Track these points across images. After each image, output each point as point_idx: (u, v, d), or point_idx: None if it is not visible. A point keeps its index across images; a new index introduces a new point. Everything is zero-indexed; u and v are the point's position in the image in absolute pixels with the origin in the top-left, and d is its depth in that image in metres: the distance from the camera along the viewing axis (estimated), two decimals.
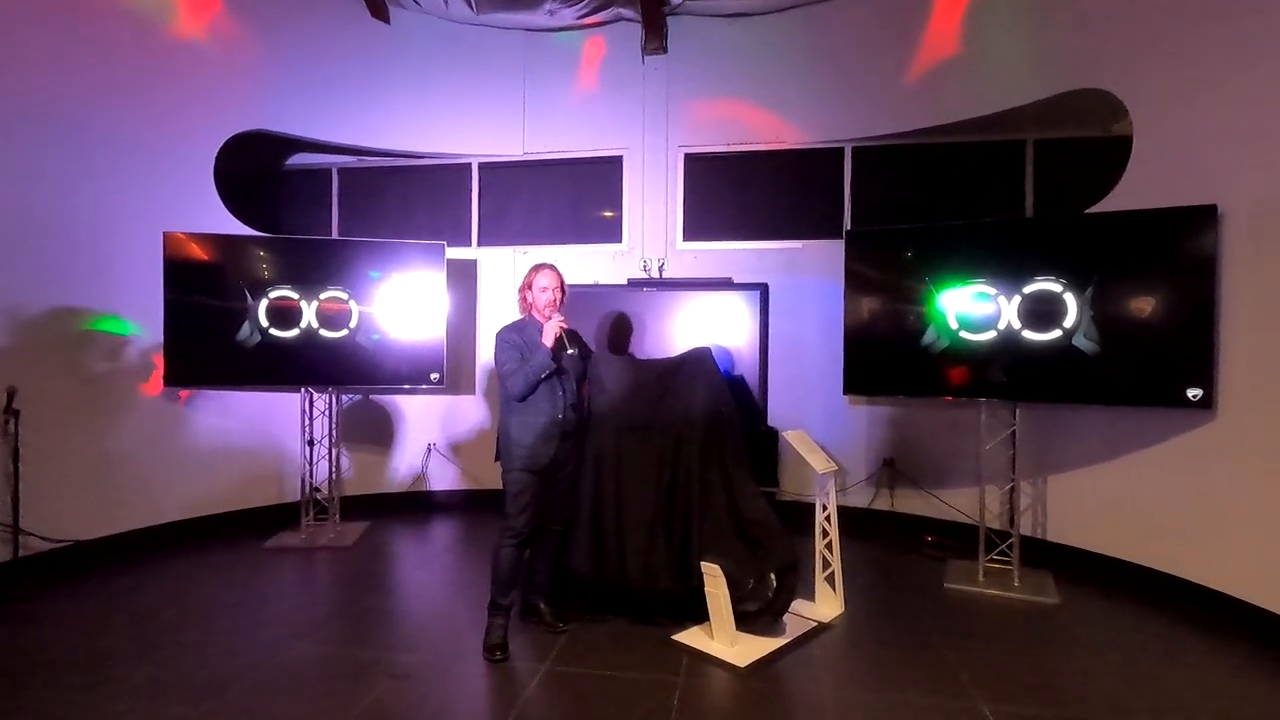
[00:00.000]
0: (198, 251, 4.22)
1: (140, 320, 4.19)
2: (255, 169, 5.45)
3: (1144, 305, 3.37)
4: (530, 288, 3.04)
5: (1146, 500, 3.61)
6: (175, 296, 4.15)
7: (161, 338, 4.16)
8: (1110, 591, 3.59)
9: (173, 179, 4.39)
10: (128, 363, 4.19)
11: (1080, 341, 3.46)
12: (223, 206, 4.65)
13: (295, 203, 5.68)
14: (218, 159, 4.62)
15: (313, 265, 4.41)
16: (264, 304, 4.31)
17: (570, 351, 2.94)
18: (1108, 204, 3.80)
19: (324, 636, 2.98)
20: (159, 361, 4.21)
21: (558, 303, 3.02)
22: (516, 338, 2.97)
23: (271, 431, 4.77)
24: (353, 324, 4.45)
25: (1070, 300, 3.48)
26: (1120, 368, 3.40)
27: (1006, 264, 3.65)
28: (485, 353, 5.34)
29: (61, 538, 3.79)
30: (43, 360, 3.76)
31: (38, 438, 3.63)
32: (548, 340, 2.88)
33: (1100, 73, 3.83)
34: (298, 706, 2.45)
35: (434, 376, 4.58)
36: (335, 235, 5.54)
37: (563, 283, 3.08)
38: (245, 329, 4.29)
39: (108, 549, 4.00)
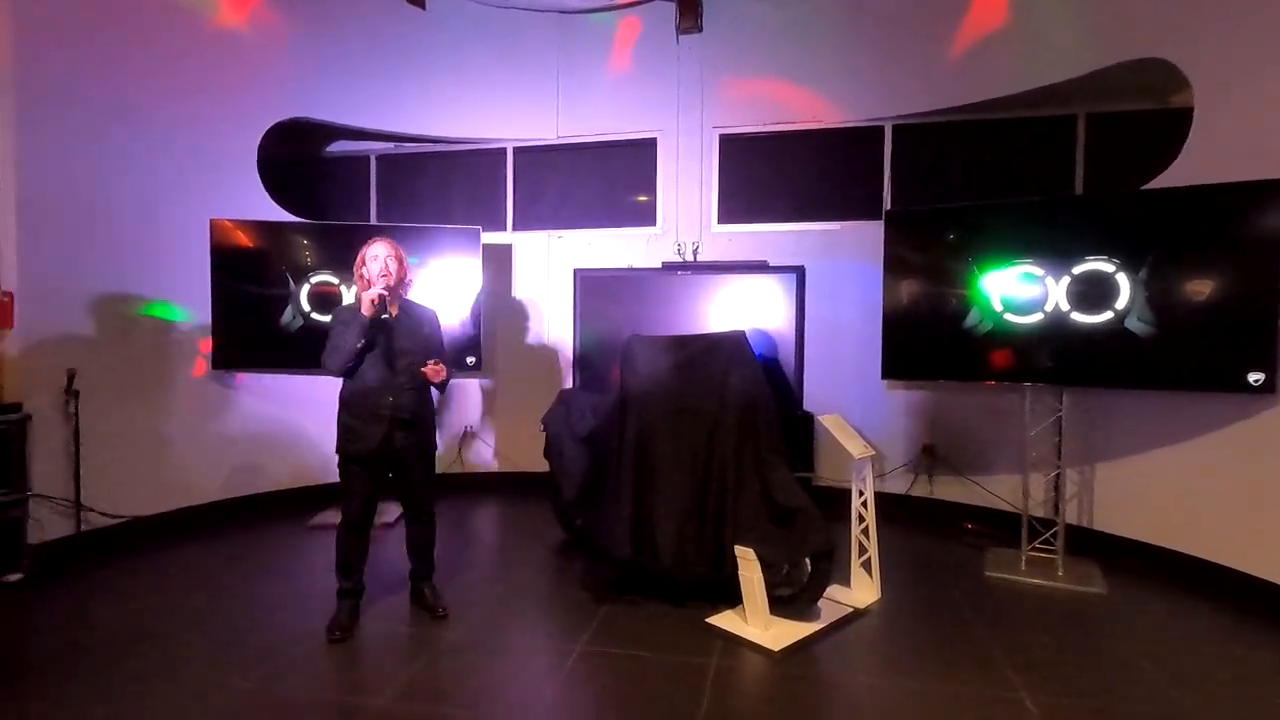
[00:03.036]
0: (243, 238, 4.33)
1: (189, 305, 4.33)
2: (296, 156, 5.56)
3: (1203, 286, 3.21)
4: (363, 263, 2.89)
5: (1201, 489, 3.47)
6: (222, 282, 4.28)
7: (209, 322, 4.29)
8: (1160, 583, 3.48)
9: (218, 167, 4.50)
10: (177, 347, 4.33)
11: (1133, 324, 3.33)
12: (265, 194, 4.76)
13: (335, 189, 5.78)
14: (260, 147, 4.72)
15: (352, 251, 4.47)
16: (305, 289, 4.41)
17: (385, 316, 2.78)
18: (1165, 180, 3.63)
19: (364, 611, 3.06)
20: (207, 346, 4.34)
21: (392, 272, 2.84)
22: (348, 314, 2.86)
23: (314, 414, 4.88)
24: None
25: (1123, 281, 3.34)
26: (1176, 351, 3.27)
27: (1055, 244, 3.52)
28: (518, 336, 5.39)
29: (119, 514, 3.97)
30: (99, 344, 3.91)
31: (95, 418, 3.79)
32: (365, 309, 2.74)
33: (1159, 42, 3.65)
34: (343, 676, 2.54)
35: (470, 360, 4.63)
36: (374, 221, 5.63)
37: (401, 255, 2.90)
38: (288, 313, 4.40)
39: (161, 525, 4.17)
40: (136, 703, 2.34)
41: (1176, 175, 3.58)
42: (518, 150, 5.54)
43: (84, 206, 3.84)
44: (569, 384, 4.96)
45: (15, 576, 3.37)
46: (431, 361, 2.84)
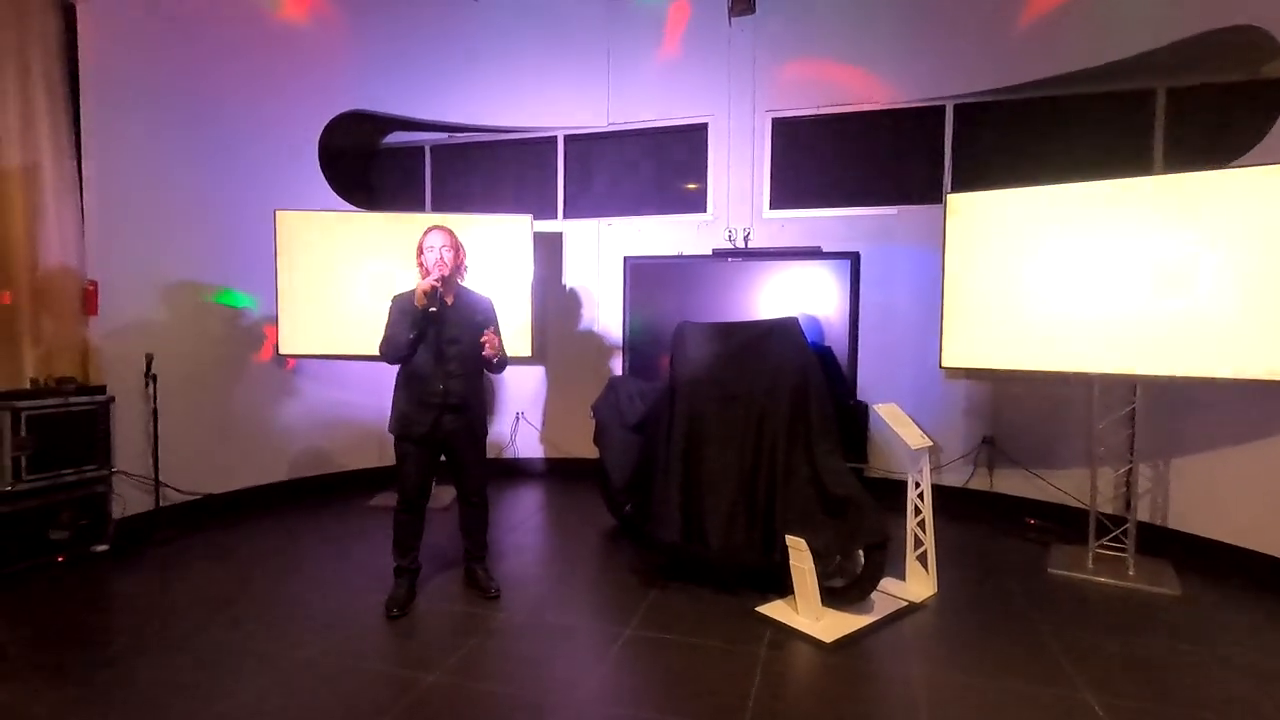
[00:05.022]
0: (305, 228, 4.48)
1: (256, 292, 4.51)
2: (355, 148, 5.70)
3: None
4: (421, 251, 2.95)
5: None
6: (285, 270, 4.44)
7: (275, 309, 4.46)
8: (1240, 585, 3.28)
9: (281, 159, 4.67)
10: (246, 332, 4.53)
11: (1217, 309, 3.12)
12: (326, 184, 4.91)
13: (391, 180, 5.92)
14: (320, 138, 4.86)
15: (408, 239, 4.57)
16: (364, 277, 4.53)
17: (433, 309, 2.83)
18: (1256, 156, 3.39)
19: (420, 590, 3.14)
20: (274, 332, 4.52)
21: (447, 263, 2.90)
22: (405, 302, 2.91)
23: (375, 398, 5.02)
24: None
25: (1207, 263, 3.14)
26: (1265, 338, 3.05)
27: (1131, 225, 3.33)
28: (569, 323, 5.43)
29: (195, 490, 4.18)
30: (174, 330, 4.12)
31: (171, 400, 3.99)
32: (417, 300, 2.81)
33: (1250, 5, 3.39)
34: (399, 651, 2.62)
35: (521, 348, 4.68)
36: (428, 210, 5.74)
37: (456, 244, 2.96)
38: (348, 301, 4.52)
39: (233, 502, 4.38)
40: (207, 670, 2.46)
41: (1268, 151, 3.34)
42: (568, 138, 5.55)
43: (158, 199, 4.04)
44: (619, 371, 4.97)
45: (102, 548, 3.59)
46: (488, 333, 2.90)
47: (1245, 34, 3.43)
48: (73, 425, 3.53)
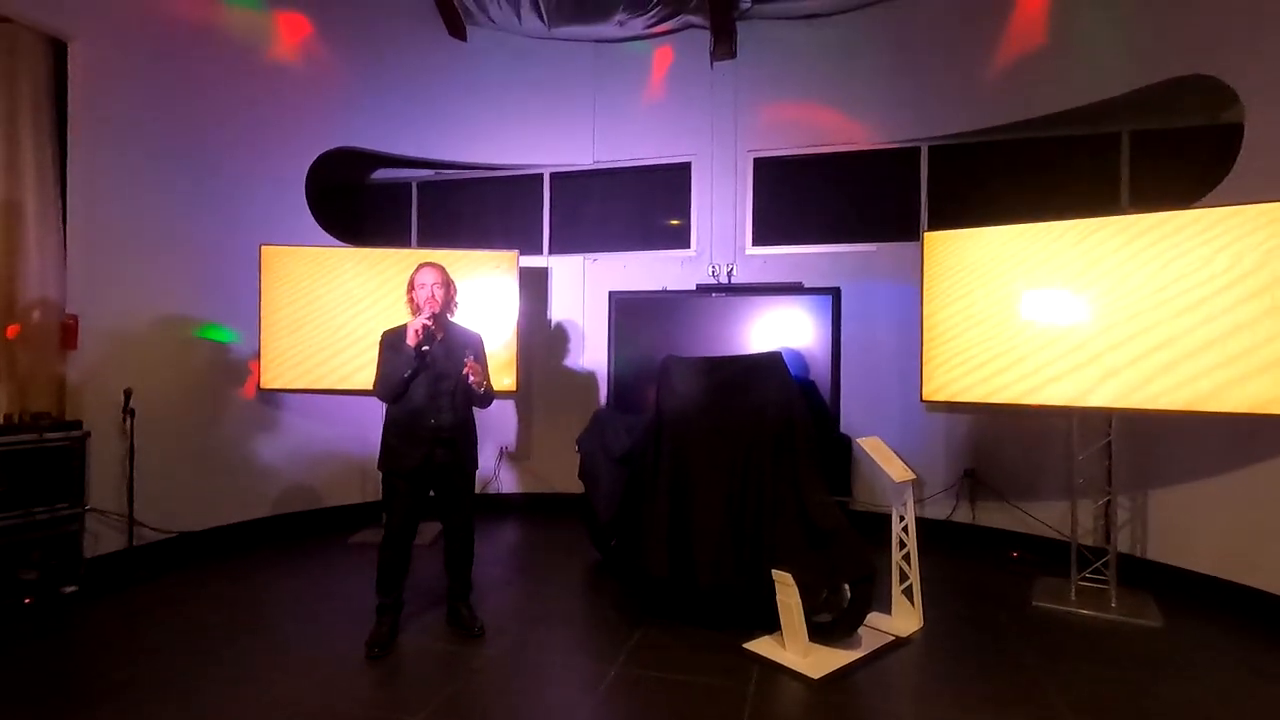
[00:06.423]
0: (291, 263, 4.48)
1: (240, 328, 4.48)
2: (342, 184, 5.75)
3: (1269, 302, 3.09)
4: (413, 288, 2.99)
5: (1266, 518, 3.31)
6: (270, 305, 4.42)
7: (259, 344, 4.43)
8: (1220, 617, 3.31)
9: (268, 195, 4.68)
10: (229, 368, 4.49)
11: (1190, 343, 3.21)
12: (313, 220, 4.93)
13: (378, 215, 5.96)
14: (307, 175, 4.90)
15: (393, 275, 4.60)
16: (349, 313, 4.53)
17: (425, 348, 2.85)
18: (1215, 197, 3.53)
19: (402, 628, 3.08)
20: (257, 367, 4.48)
21: (439, 300, 2.94)
22: (396, 339, 2.93)
23: (355, 434, 4.99)
24: None
25: (1177, 299, 3.24)
26: (1239, 371, 3.13)
27: (1102, 262, 3.44)
28: (554, 358, 5.44)
29: (170, 528, 4.09)
30: (154, 365, 4.06)
31: (150, 436, 3.92)
32: (410, 339, 2.83)
33: (1207, 57, 3.58)
34: (381, 692, 2.56)
35: (506, 382, 4.68)
36: (414, 246, 5.77)
37: (447, 280, 3.00)
38: (334, 336, 4.51)
39: (209, 541, 4.28)
40: (182, 713, 2.38)
41: (1227, 192, 3.48)
42: (554, 175, 5.65)
43: (143, 234, 4.02)
44: (604, 406, 4.97)
45: (71, 588, 3.48)
46: (468, 360, 2.87)
47: (1204, 83, 3.61)
48: (46, 461, 3.45)
